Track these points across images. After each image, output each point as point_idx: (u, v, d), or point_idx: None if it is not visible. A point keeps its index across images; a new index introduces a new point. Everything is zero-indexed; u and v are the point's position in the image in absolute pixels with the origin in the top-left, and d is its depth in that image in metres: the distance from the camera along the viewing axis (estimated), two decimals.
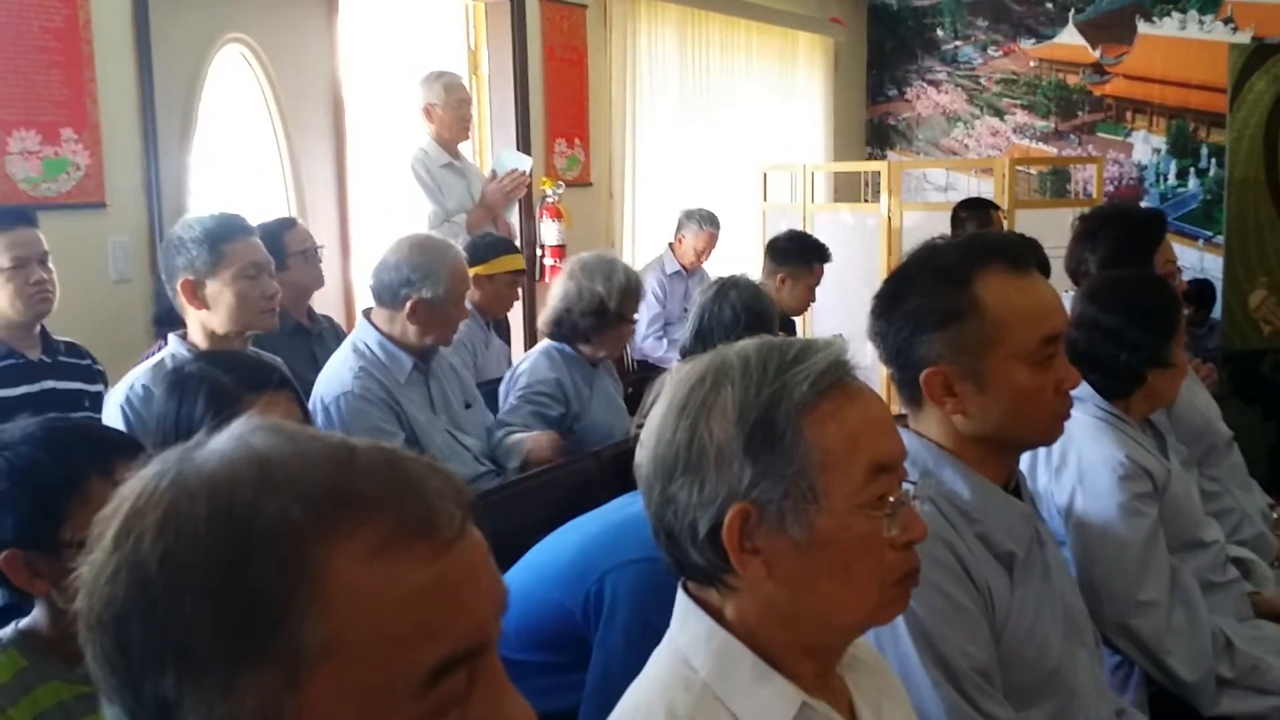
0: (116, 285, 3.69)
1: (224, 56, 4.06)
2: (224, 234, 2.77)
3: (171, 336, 2.82)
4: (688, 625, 1.19)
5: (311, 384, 3.42)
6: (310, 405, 3.07)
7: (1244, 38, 7.11)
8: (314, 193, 4.37)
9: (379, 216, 4.69)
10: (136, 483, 0.71)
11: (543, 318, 3.60)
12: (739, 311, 3.03)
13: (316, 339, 3.75)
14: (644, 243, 6.07)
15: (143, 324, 3.64)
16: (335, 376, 3.07)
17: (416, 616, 0.69)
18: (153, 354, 2.91)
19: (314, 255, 3.75)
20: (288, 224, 3.78)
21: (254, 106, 4.22)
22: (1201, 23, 7.46)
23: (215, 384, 1.96)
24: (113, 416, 2.63)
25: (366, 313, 3.21)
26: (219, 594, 0.66)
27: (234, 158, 4.20)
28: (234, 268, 2.75)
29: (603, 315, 3.42)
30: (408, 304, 3.07)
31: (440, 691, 0.70)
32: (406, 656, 0.69)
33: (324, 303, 4.07)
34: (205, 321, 2.77)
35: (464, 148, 4.75)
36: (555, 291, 3.53)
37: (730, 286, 3.11)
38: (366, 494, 0.70)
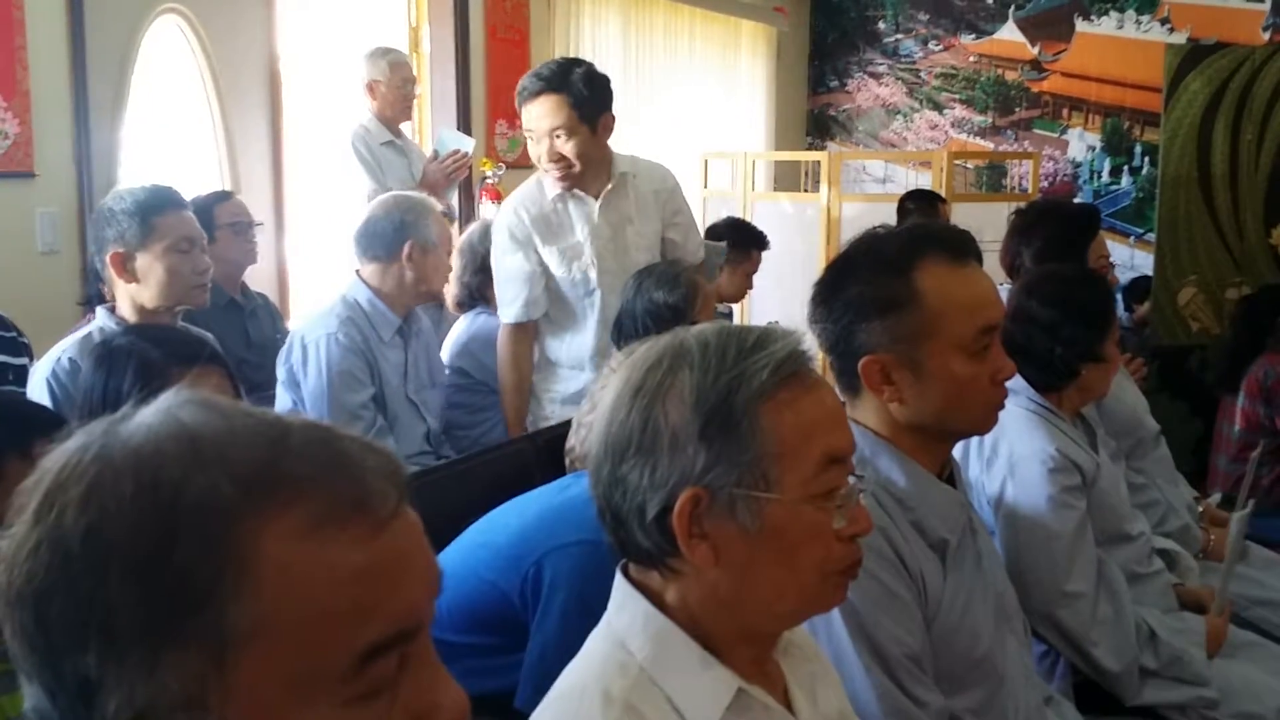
0: (44, 257, 3.60)
1: (159, 27, 3.97)
2: (155, 206, 2.71)
3: (100, 309, 2.76)
4: (626, 608, 1.19)
5: (245, 361, 3.40)
6: (288, 343, 3.20)
7: (1180, 38, 7.24)
8: (249, 168, 4.30)
9: (315, 193, 4.62)
10: (59, 455, 0.69)
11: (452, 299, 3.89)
12: (653, 307, 3.00)
13: (250, 315, 3.70)
14: None
15: (70, 297, 3.57)
16: (321, 319, 3.20)
17: (348, 597, 0.68)
18: (81, 327, 2.85)
19: (245, 229, 3.70)
20: (221, 197, 3.72)
21: (189, 79, 4.13)
22: (1139, 22, 7.58)
23: (144, 358, 1.93)
24: (38, 390, 2.57)
25: (358, 271, 3.29)
26: (144, 571, 0.64)
27: (167, 130, 4.11)
28: (165, 241, 2.70)
29: (487, 270, 3.58)
30: (405, 248, 3.19)
31: (371, 674, 0.69)
32: (337, 638, 0.68)
33: (258, 279, 4.01)
34: (135, 295, 2.71)
35: (405, 127, 4.70)
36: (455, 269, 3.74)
37: (646, 275, 3.09)
38: (299, 472, 0.69)
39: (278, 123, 4.48)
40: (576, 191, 3.23)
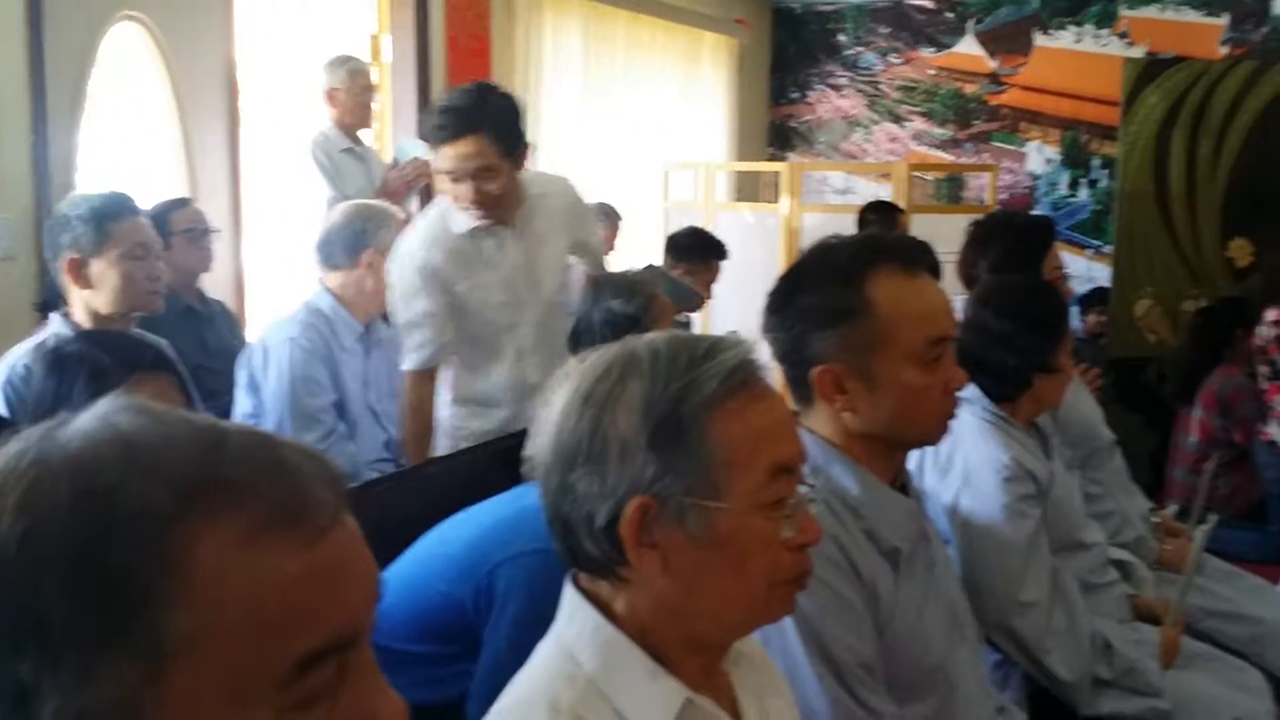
0: (0, 263, 3.56)
1: (118, 33, 3.93)
2: (111, 213, 2.71)
3: (55, 316, 2.76)
4: (575, 619, 1.18)
5: (202, 368, 3.37)
6: (250, 348, 3.20)
7: (1138, 52, 7.33)
8: (207, 174, 4.27)
9: (274, 200, 4.60)
10: None
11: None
12: (610, 316, 2.96)
13: (207, 322, 3.67)
14: None
15: (27, 302, 3.53)
16: (285, 324, 3.18)
17: (286, 605, 0.67)
18: (37, 334, 2.83)
19: (201, 236, 3.67)
20: (178, 204, 3.70)
21: (147, 85, 4.10)
22: (1097, 36, 7.67)
23: (95, 364, 1.91)
24: None
25: (321, 279, 3.28)
26: (78, 578, 0.64)
27: (125, 136, 4.07)
28: (120, 248, 2.70)
29: None
30: (365, 256, 3.18)
31: (309, 682, 0.68)
32: (275, 646, 0.67)
33: (216, 286, 3.98)
34: (89, 301, 2.71)
35: (365, 135, 4.68)
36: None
37: (603, 285, 3.03)
38: (236, 478, 0.68)
39: (236, 130, 4.45)
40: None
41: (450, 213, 3.00)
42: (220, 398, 3.24)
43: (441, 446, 3.10)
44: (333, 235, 3.23)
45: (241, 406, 3.15)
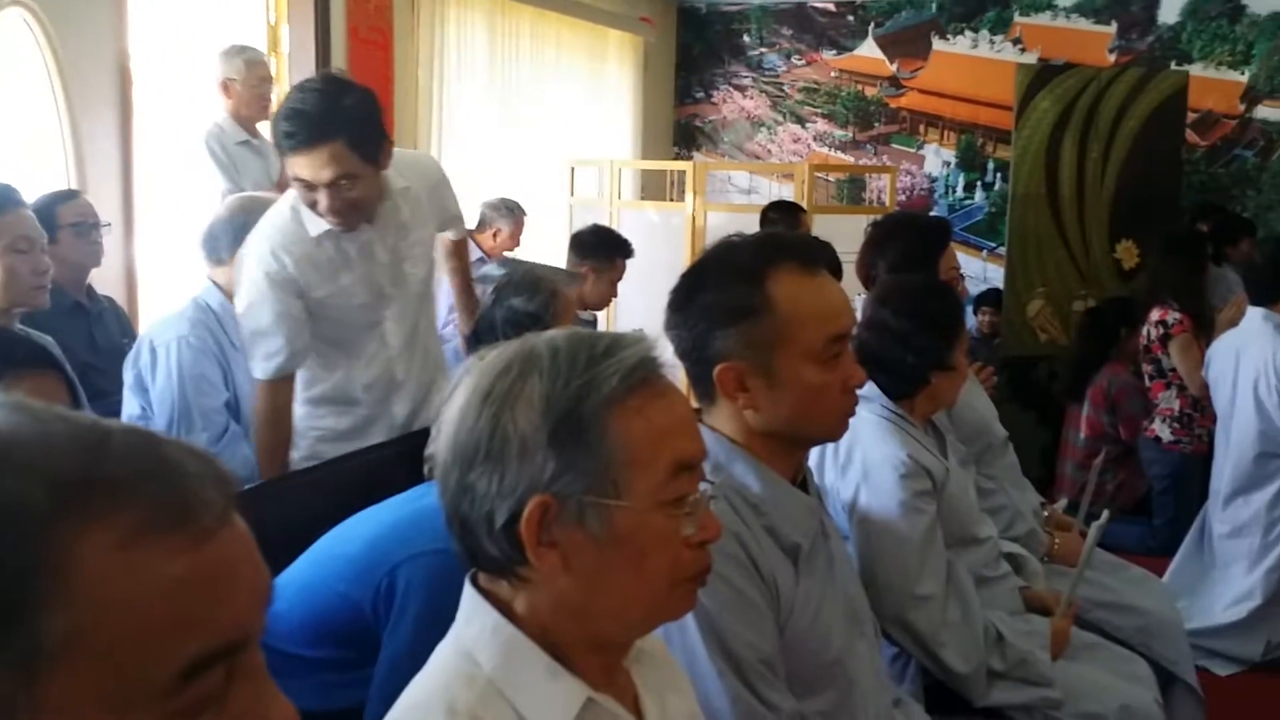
0: None
1: (3, 21, 3.81)
2: None
3: None
4: (474, 620, 1.17)
5: (90, 366, 3.28)
6: (136, 347, 3.08)
7: (1031, 58, 7.50)
8: (97, 167, 4.14)
9: (168, 194, 4.49)
10: None
11: None
12: (511, 314, 2.93)
13: (96, 319, 3.57)
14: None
15: None
16: (172, 322, 3.08)
17: (170, 610, 0.65)
18: None
19: (89, 230, 3.56)
20: (65, 196, 3.58)
21: (34, 74, 3.97)
22: (992, 42, 7.83)
23: None
24: None
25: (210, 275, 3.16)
26: None
27: (10, 127, 3.94)
28: (3, 241, 2.63)
29: None
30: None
31: (195, 689, 0.66)
32: (157, 652, 0.65)
33: (106, 282, 3.87)
34: None
35: (263, 127, 4.59)
36: None
37: (504, 283, 3.00)
38: (118, 478, 0.66)
39: (128, 121, 4.33)
40: None
41: (304, 210, 2.73)
42: (109, 397, 3.14)
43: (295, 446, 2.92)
44: (216, 229, 3.15)
45: (129, 408, 3.06)
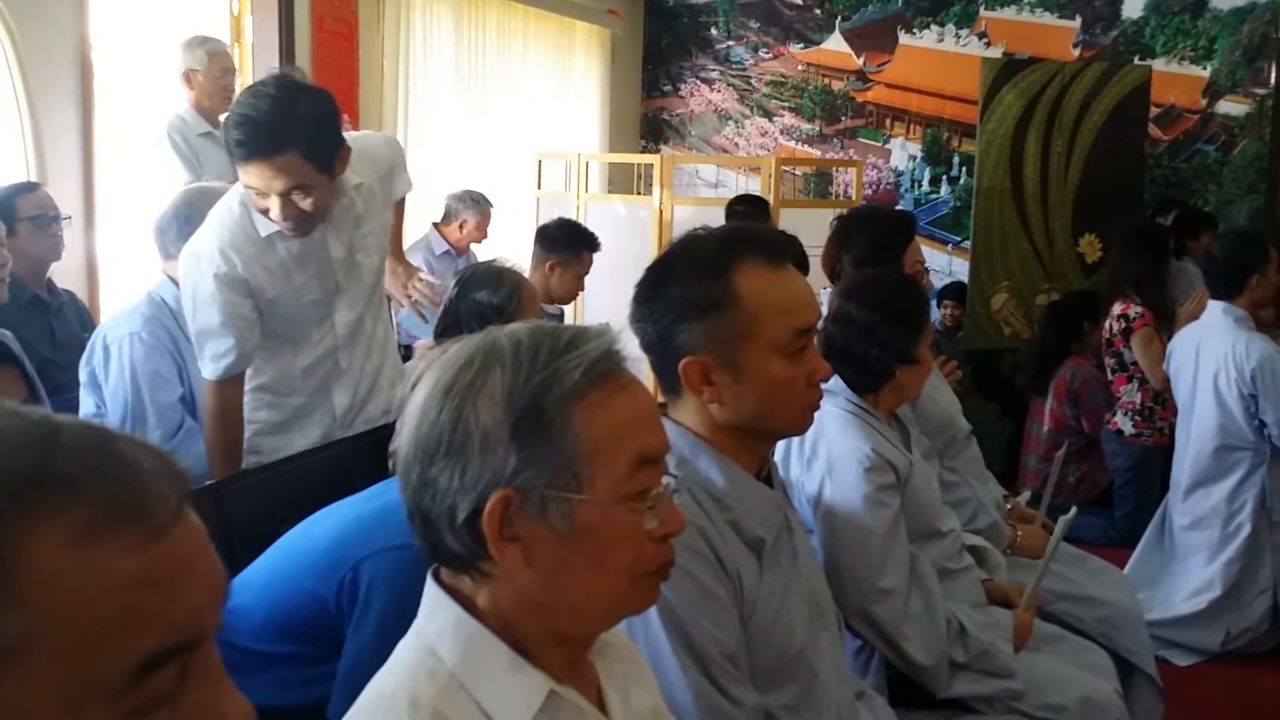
0: None
1: None
2: None
3: None
4: (436, 614, 1.17)
5: (50, 361, 3.25)
6: (90, 345, 3.03)
7: (996, 52, 7.55)
8: (57, 159, 4.10)
9: (130, 186, 4.44)
10: None
11: None
12: (476, 307, 2.91)
13: (56, 313, 3.54)
14: (409, 225, 5.95)
15: None
16: (125, 318, 3.03)
17: (123, 607, 0.65)
18: None
19: (49, 223, 3.52)
20: (24, 188, 3.54)
21: None
22: (958, 36, 7.87)
23: None
24: None
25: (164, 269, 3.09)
26: None
27: None
28: None
29: None
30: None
31: (149, 686, 0.66)
32: (111, 650, 0.64)
33: (66, 275, 3.83)
34: None
35: (225, 118, 4.54)
36: None
37: (468, 276, 2.98)
38: (70, 475, 0.65)
39: (89, 113, 4.28)
40: None
41: (255, 210, 2.65)
42: (69, 392, 3.11)
43: None
44: (163, 223, 3.08)
45: (85, 406, 3.01)
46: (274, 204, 2.56)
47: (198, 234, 2.73)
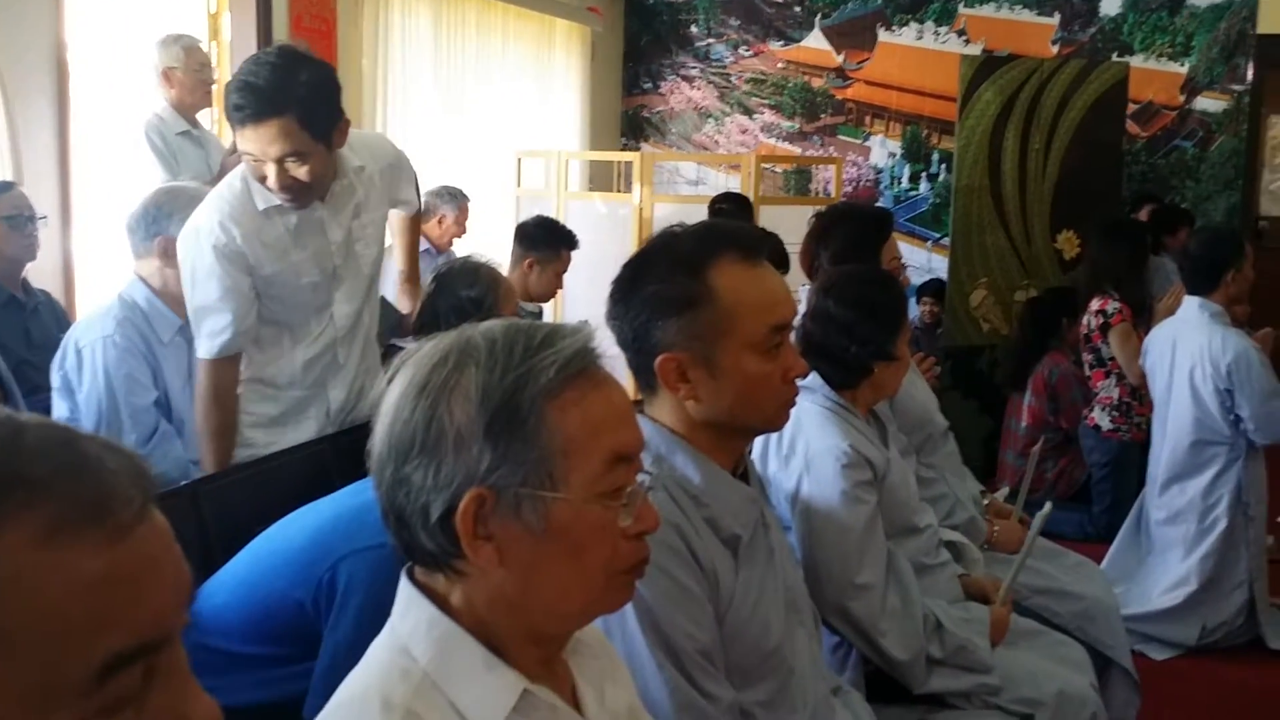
0: None
1: None
2: None
3: None
4: (410, 613, 1.16)
5: (25, 362, 3.23)
6: (62, 349, 2.99)
7: (975, 50, 7.58)
8: (33, 158, 4.07)
9: (106, 185, 4.42)
10: None
11: None
12: (456, 302, 2.93)
13: (31, 313, 3.52)
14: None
15: None
16: (97, 321, 2.99)
17: (86, 607, 0.65)
18: None
19: (24, 223, 3.50)
20: (1, 188, 3.52)
21: None
22: (937, 34, 7.90)
23: None
24: None
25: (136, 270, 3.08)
26: None
27: None
28: None
29: None
30: (157, 243, 2.97)
31: (113, 687, 0.66)
32: (74, 650, 0.64)
33: (42, 275, 3.81)
34: None
35: (203, 116, 4.53)
36: None
37: (446, 272, 2.96)
38: (33, 474, 0.65)
39: (65, 112, 4.26)
40: None
41: (254, 183, 2.67)
42: (44, 393, 3.08)
43: None
44: (132, 221, 3.05)
45: (58, 411, 2.97)
46: (270, 170, 2.58)
47: (197, 211, 2.75)
